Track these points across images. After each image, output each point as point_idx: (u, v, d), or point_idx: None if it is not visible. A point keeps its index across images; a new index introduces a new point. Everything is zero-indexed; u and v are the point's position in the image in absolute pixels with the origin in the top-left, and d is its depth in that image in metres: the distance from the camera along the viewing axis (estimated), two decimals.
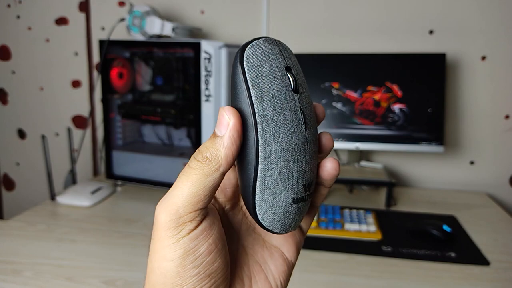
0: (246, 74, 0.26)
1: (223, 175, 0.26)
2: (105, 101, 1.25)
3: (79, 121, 1.59)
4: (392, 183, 1.16)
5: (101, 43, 1.22)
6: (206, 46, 1.09)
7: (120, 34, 1.34)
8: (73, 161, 1.29)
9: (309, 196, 0.29)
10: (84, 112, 1.58)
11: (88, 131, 1.59)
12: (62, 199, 1.16)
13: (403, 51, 1.31)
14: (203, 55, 1.10)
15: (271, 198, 0.27)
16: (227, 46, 1.12)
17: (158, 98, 1.24)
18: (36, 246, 0.92)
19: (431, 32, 1.30)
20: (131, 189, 1.28)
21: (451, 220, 1.06)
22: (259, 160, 0.26)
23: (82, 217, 1.08)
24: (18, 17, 1.57)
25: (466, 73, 1.30)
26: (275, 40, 0.28)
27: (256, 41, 0.27)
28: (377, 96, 1.23)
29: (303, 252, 0.89)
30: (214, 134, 0.26)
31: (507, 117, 1.30)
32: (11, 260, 0.85)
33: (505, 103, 1.29)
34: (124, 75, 1.26)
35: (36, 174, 1.66)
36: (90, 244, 0.93)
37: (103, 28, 1.50)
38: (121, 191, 1.28)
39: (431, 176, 1.37)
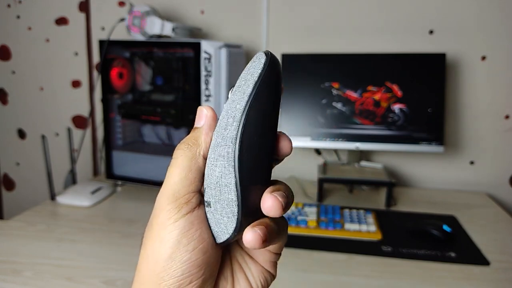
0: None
1: (204, 159, 0.29)
2: (105, 101, 1.25)
3: (79, 121, 1.59)
4: (392, 183, 1.16)
5: (101, 43, 1.22)
6: (206, 46, 1.09)
7: (120, 34, 1.34)
8: (73, 161, 1.30)
9: (212, 202, 0.28)
10: (84, 112, 1.58)
11: (88, 131, 1.59)
12: (62, 199, 1.16)
13: (403, 51, 1.31)
14: (203, 55, 1.10)
15: None
16: (227, 46, 1.12)
17: (158, 98, 1.24)
18: (36, 246, 0.92)
19: (431, 32, 1.30)
20: (131, 189, 1.28)
21: (451, 220, 1.06)
22: None
23: (82, 217, 1.08)
24: (18, 17, 1.57)
25: (466, 73, 1.30)
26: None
27: None
28: (377, 96, 1.23)
29: (303, 252, 0.89)
30: (194, 128, 0.30)
31: (507, 117, 1.30)
32: (11, 260, 0.85)
33: (505, 103, 1.29)
34: (124, 75, 1.26)
35: (36, 174, 1.66)
36: (90, 244, 0.93)
37: (103, 28, 1.50)
38: (121, 191, 1.28)
39: (431, 176, 1.37)
